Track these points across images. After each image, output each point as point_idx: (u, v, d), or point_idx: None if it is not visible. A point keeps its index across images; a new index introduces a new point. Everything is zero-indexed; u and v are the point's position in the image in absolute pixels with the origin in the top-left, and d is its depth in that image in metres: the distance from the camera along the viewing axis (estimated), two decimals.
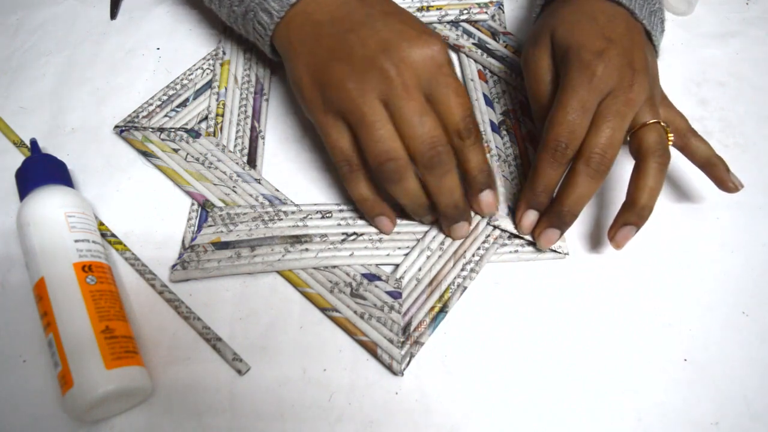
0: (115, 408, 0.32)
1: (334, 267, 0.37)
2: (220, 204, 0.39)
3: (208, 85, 0.44)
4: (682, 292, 0.37)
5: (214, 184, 0.40)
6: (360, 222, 0.39)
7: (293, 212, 0.39)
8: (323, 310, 0.36)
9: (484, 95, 0.44)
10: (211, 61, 0.46)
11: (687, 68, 0.46)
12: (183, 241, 0.38)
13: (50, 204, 0.35)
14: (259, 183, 0.40)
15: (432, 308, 0.36)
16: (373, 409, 0.33)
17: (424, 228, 0.38)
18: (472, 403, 0.33)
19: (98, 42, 0.48)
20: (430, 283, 0.36)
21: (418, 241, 0.38)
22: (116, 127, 0.42)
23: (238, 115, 0.43)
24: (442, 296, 0.36)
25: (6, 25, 0.49)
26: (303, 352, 0.35)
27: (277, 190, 0.40)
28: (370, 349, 0.34)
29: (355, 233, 0.38)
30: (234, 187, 0.39)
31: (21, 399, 0.33)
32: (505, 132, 0.42)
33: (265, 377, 0.34)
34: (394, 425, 0.33)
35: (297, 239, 0.38)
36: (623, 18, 0.37)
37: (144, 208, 0.40)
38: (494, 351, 0.35)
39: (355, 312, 0.35)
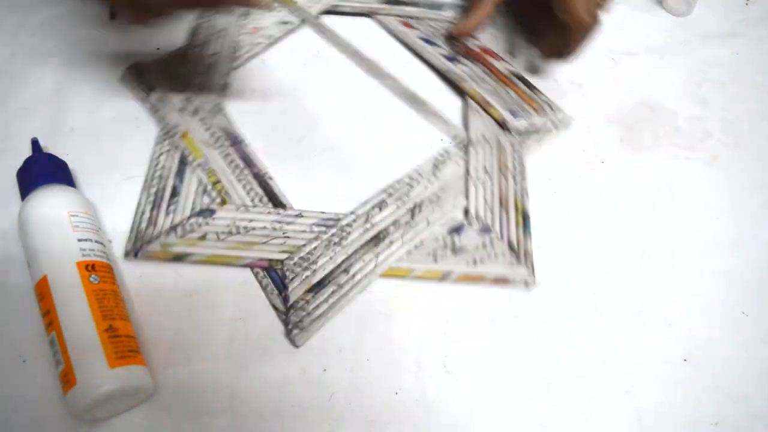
0: (116, 407, 0.32)
1: (421, 242, 0.38)
2: (284, 256, 0.37)
3: (184, 162, 0.41)
4: (682, 292, 0.37)
5: (263, 243, 0.37)
6: (413, 193, 0.40)
7: (354, 220, 0.38)
8: (440, 279, 0.37)
9: (422, 39, 0.46)
10: (167, 142, 0.41)
11: (687, 68, 0.46)
12: (274, 306, 0.36)
13: (54, 203, 0.35)
14: (302, 216, 0.38)
15: (517, 223, 0.38)
16: (373, 409, 0.33)
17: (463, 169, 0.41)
18: (471, 403, 0.33)
19: (98, 42, 0.48)
20: (500, 204, 0.39)
21: (468, 178, 0.41)
22: (126, 254, 0.37)
23: (234, 172, 0.40)
24: (516, 208, 0.39)
25: (6, 25, 0.49)
26: (303, 352, 0.35)
27: (323, 213, 0.39)
28: (502, 283, 0.36)
29: (416, 204, 0.39)
30: (284, 233, 0.38)
31: (21, 399, 0.33)
32: (463, 57, 0.45)
33: (265, 377, 0.34)
34: (394, 425, 0.33)
35: (377, 239, 0.38)
36: None
37: None
38: (494, 351, 0.35)
39: (467, 263, 0.37)
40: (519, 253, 0.37)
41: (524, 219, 0.39)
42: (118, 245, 0.38)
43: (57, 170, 0.38)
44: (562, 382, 0.34)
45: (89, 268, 0.33)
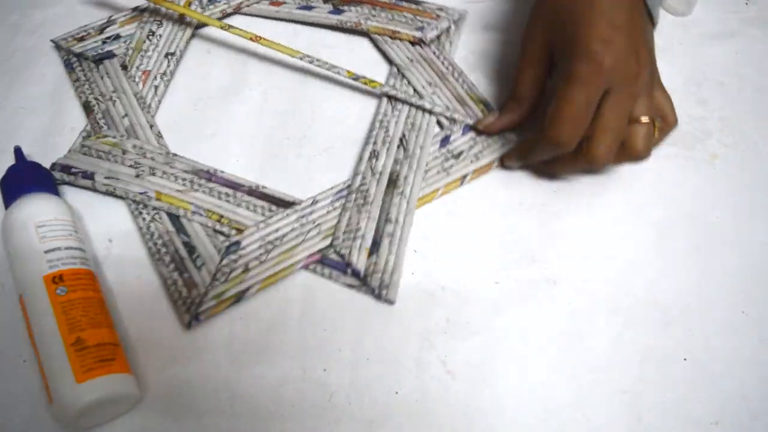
0: (104, 415, 0.32)
1: (427, 165, 0.41)
2: (327, 241, 0.38)
3: (176, 218, 0.38)
4: (682, 291, 0.37)
5: (302, 242, 0.37)
6: (391, 131, 0.42)
7: (363, 178, 0.40)
8: (461, 185, 0.41)
9: (299, 8, 0.49)
10: (145, 212, 0.39)
11: (687, 68, 0.46)
12: (350, 285, 0.37)
13: (20, 217, 0.35)
14: (317, 201, 0.39)
15: (483, 112, 0.43)
16: (373, 409, 0.33)
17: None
18: (471, 403, 0.33)
19: None
20: (460, 103, 0.44)
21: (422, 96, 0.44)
22: (188, 325, 0.35)
23: (229, 201, 0.39)
24: (474, 100, 0.44)
25: (6, 24, 0.49)
26: (303, 352, 0.35)
27: (331, 188, 0.40)
28: None
29: (400, 138, 0.42)
30: (314, 223, 0.38)
31: (21, 399, 0.33)
32: (345, 4, 0.49)
33: (265, 377, 0.34)
34: (394, 425, 0.33)
35: (392, 182, 0.40)
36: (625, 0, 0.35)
37: None
38: (494, 351, 0.35)
39: (472, 161, 0.41)
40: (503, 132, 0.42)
41: (485, 105, 0.43)
42: (118, 243, 0.38)
43: (32, 179, 0.37)
44: (561, 382, 0.34)
45: (56, 280, 0.33)
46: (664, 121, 0.38)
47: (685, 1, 0.49)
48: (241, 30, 0.45)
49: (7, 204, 0.36)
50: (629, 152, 0.37)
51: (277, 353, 0.35)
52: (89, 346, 0.31)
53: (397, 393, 0.33)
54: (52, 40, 0.47)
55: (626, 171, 0.41)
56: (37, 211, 0.35)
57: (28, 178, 0.38)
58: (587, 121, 0.35)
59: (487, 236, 0.39)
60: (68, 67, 0.46)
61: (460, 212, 0.40)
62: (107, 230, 0.39)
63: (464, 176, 0.41)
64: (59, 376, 0.30)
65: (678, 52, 0.47)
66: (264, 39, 0.44)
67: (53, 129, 0.43)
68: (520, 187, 0.41)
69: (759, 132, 0.43)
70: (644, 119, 0.36)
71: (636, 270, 0.37)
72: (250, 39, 0.45)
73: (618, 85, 0.34)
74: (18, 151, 0.39)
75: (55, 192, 0.38)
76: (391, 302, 0.36)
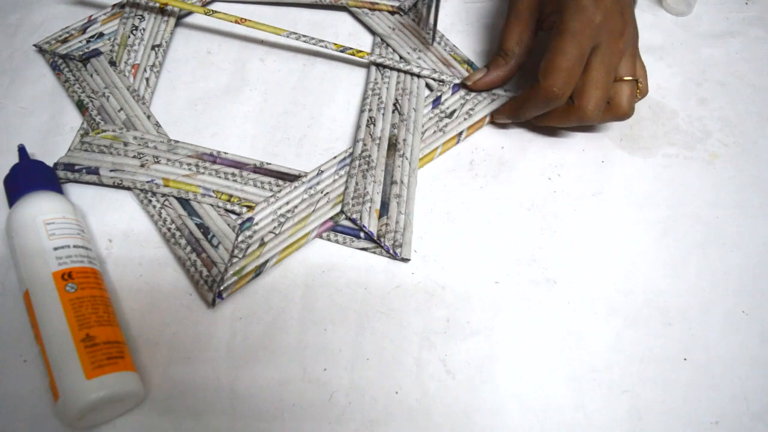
0: (108, 413, 0.32)
1: (423, 126, 0.42)
2: (338, 208, 0.39)
3: (185, 202, 0.39)
4: (682, 291, 0.37)
5: (313, 212, 0.39)
6: (384, 96, 0.43)
7: (364, 144, 0.41)
8: (457, 143, 0.42)
9: None
10: (154, 199, 0.39)
11: (687, 68, 0.46)
12: (365, 249, 0.38)
13: (28, 214, 0.35)
14: (322, 171, 0.40)
15: (468, 71, 0.45)
16: (373, 409, 0.33)
17: None
18: (471, 403, 0.33)
19: None
20: (445, 65, 0.46)
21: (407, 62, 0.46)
22: (213, 303, 0.36)
23: (235, 180, 0.40)
24: (458, 61, 0.46)
25: (6, 25, 0.49)
26: (303, 352, 0.35)
27: (335, 157, 0.41)
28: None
29: (393, 103, 0.43)
30: (322, 192, 0.39)
31: (22, 399, 0.33)
32: None
33: (265, 377, 0.34)
34: (394, 425, 0.33)
35: (392, 145, 0.41)
36: None
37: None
38: (494, 351, 0.35)
39: (465, 118, 0.43)
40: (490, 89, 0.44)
41: (470, 65, 0.45)
42: (119, 243, 0.38)
43: (39, 177, 0.38)
44: (561, 382, 0.34)
45: (65, 276, 0.33)
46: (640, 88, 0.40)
47: (684, 1, 0.49)
48: (224, 14, 0.45)
49: (12, 202, 0.36)
50: (615, 109, 0.39)
51: (277, 353, 0.35)
52: (99, 343, 0.31)
53: (397, 393, 0.34)
54: (34, 45, 0.47)
55: (626, 170, 0.41)
56: (45, 208, 0.35)
57: (35, 175, 0.38)
58: (579, 73, 0.37)
59: (487, 236, 0.39)
60: (55, 69, 0.46)
61: (460, 212, 0.40)
62: (108, 230, 0.39)
63: (460, 133, 0.42)
64: (68, 372, 0.30)
65: (678, 52, 0.47)
66: (248, 20, 0.45)
67: (53, 129, 0.43)
68: (520, 187, 0.41)
69: (759, 132, 0.43)
70: (628, 78, 0.38)
71: (636, 270, 0.38)
72: (235, 21, 0.45)
73: (605, 40, 0.36)
74: (22, 150, 0.39)
75: (60, 191, 0.38)
76: (405, 260, 0.37)
